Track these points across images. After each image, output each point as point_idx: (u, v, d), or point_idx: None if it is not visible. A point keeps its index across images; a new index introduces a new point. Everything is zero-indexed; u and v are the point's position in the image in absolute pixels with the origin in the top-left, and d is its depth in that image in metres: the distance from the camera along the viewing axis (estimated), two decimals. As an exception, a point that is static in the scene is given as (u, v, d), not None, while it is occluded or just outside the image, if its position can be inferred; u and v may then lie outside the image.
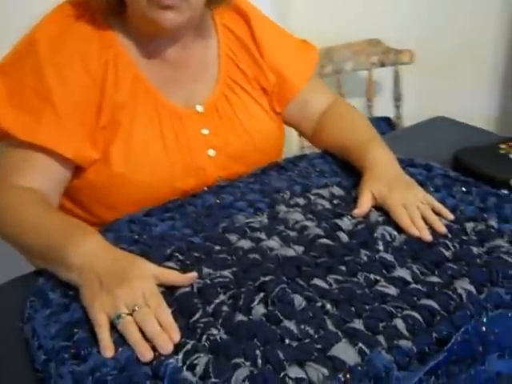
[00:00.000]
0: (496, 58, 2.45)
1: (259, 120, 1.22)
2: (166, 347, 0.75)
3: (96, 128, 1.06)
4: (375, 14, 2.11)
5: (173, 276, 0.86)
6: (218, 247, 0.94)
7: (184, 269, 0.89)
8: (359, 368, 0.70)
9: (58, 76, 1.03)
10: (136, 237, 0.98)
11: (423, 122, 1.42)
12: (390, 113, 2.02)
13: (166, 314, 0.80)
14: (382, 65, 2.02)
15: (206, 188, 1.12)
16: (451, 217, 1.00)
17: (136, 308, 0.79)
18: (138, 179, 1.08)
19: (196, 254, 0.92)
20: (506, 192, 1.06)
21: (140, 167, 1.08)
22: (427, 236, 0.94)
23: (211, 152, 1.15)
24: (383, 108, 2.02)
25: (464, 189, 1.08)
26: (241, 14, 1.21)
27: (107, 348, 0.76)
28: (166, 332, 0.77)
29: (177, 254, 0.92)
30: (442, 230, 0.96)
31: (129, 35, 1.10)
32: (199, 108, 1.15)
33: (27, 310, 0.84)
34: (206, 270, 0.88)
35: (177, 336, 0.77)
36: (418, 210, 0.98)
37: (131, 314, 0.79)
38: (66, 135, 1.03)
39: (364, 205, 1.01)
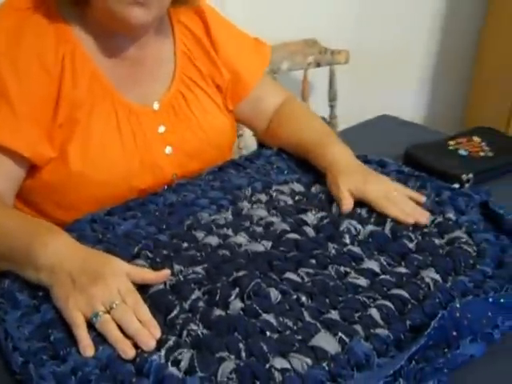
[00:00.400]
0: (425, 59, 2.56)
1: (214, 117, 1.22)
2: (149, 343, 0.74)
3: (53, 126, 1.04)
4: (311, 15, 2.15)
5: (146, 274, 0.85)
6: (185, 244, 0.94)
7: (154, 266, 0.88)
8: (341, 357, 0.72)
9: (14, 72, 1.00)
10: (100, 236, 0.96)
11: (369, 121, 1.47)
12: (324, 112, 2.06)
13: (145, 310, 0.79)
14: (318, 65, 2.06)
15: (165, 186, 1.12)
16: (423, 200, 1.04)
17: (114, 305, 0.78)
18: (96, 177, 1.06)
19: (165, 252, 0.92)
20: (457, 186, 1.11)
21: (98, 165, 1.06)
22: (424, 218, 0.99)
23: (168, 149, 1.15)
24: (318, 108, 2.06)
25: (419, 183, 1.12)
26: (197, 12, 1.21)
27: (87, 347, 0.74)
28: (146, 328, 0.76)
29: (145, 252, 0.92)
30: (424, 216, 1.00)
31: (86, 29, 1.08)
32: (156, 106, 1.15)
33: (-4, 313, 0.81)
34: (177, 267, 0.88)
35: (158, 332, 0.76)
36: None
37: (109, 312, 0.78)
38: (22, 132, 1.00)
39: (347, 200, 1.03)
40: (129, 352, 0.74)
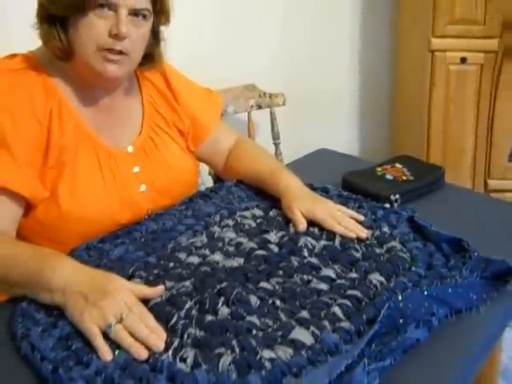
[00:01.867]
0: (352, 97, 2.83)
1: (179, 158, 1.41)
2: (159, 345, 0.90)
3: (45, 168, 1.18)
4: (249, 62, 2.38)
5: (145, 290, 1.01)
6: (171, 264, 1.11)
7: (149, 284, 1.04)
8: (316, 346, 0.90)
9: (11, 122, 1.15)
10: (97, 261, 1.12)
11: (309, 154, 1.68)
12: (270, 151, 2.27)
13: (150, 318, 0.95)
14: (259, 107, 2.27)
15: (146, 216, 1.28)
16: (361, 218, 1.25)
17: (123, 316, 0.93)
18: (83, 215, 1.21)
19: (155, 271, 1.08)
20: (388, 205, 1.33)
21: (85, 204, 1.21)
22: (364, 233, 1.20)
23: (143, 187, 1.32)
24: (263, 146, 2.27)
25: (357, 204, 1.33)
26: (159, 69, 1.40)
27: (106, 353, 0.89)
28: (154, 333, 0.92)
29: (138, 273, 1.08)
30: (364, 232, 1.21)
31: (68, 83, 1.24)
32: (130, 148, 1.32)
33: (20, 330, 0.94)
34: (168, 283, 1.05)
35: (164, 336, 0.92)
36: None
37: (120, 322, 0.93)
38: (21, 175, 1.15)
39: (301, 220, 1.23)
40: (142, 354, 0.89)
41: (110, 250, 1.15)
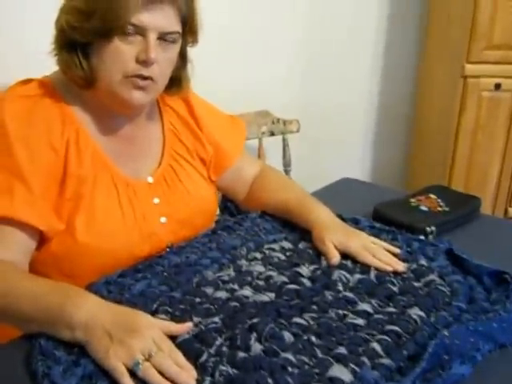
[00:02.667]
0: (368, 123, 2.78)
1: (201, 187, 1.36)
2: (190, 383, 0.84)
3: (61, 200, 1.14)
4: (263, 88, 2.35)
5: (172, 326, 0.95)
6: (198, 299, 1.05)
7: (175, 319, 0.98)
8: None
9: (27, 153, 1.10)
10: (118, 296, 1.06)
11: (332, 184, 1.63)
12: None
13: (180, 355, 0.89)
14: (272, 134, 2.23)
15: (167, 249, 1.23)
16: (397, 251, 1.20)
17: (152, 353, 0.88)
18: (101, 247, 1.16)
19: (181, 306, 1.02)
20: (423, 237, 1.27)
21: (102, 236, 1.16)
22: (401, 267, 1.14)
23: (163, 219, 1.26)
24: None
25: (390, 236, 1.27)
26: (181, 96, 1.35)
27: None
28: (184, 371, 0.86)
29: (163, 308, 1.02)
30: (400, 265, 1.15)
31: (86, 111, 1.20)
32: (150, 179, 1.27)
33: (40, 368, 0.88)
34: (195, 319, 0.99)
35: (195, 373, 0.86)
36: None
37: (147, 360, 0.87)
38: (37, 207, 1.10)
39: (335, 253, 1.18)
40: None
41: (131, 284, 1.09)
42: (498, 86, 2.22)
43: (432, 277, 1.12)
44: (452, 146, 2.35)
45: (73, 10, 1.11)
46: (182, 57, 1.26)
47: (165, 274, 1.14)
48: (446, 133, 2.38)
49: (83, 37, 1.11)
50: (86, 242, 1.15)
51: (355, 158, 2.81)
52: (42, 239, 1.15)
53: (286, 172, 2.30)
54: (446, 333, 0.91)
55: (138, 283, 1.10)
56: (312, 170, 2.36)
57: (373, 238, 1.23)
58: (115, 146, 1.24)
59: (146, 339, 0.89)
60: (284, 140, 2.27)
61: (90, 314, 0.93)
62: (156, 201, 1.26)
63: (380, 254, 1.18)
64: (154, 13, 1.10)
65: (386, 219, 1.36)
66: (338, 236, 1.20)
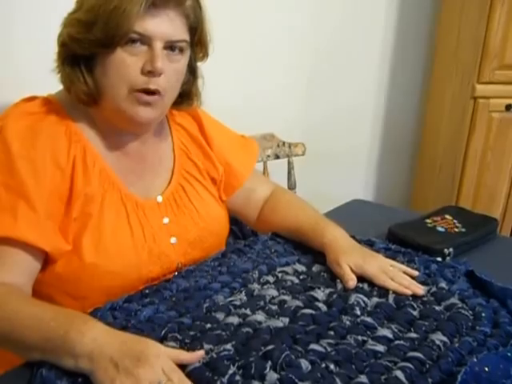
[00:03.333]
0: (370, 150, 2.75)
1: (212, 207, 1.31)
2: None
3: (67, 220, 1.09)
4: (268, 111, 2.31)
5: (182, 354, 0.90)
6: (208, 325, 0.99)
7: (184, 347, 0.93)
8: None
9: (31, 172, 1.05)
10: (124, 322, 1.00)
11: (343, 205, 1.58)
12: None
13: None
14: (277, 157, 2.19)
15: (176, 273, 1.18)
16: (416, 273, 1.15)
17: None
18: (109, 268, 1.11)
19: (191, 333, 0.97)
20: (440, 259, 1.22)
21: (111, 256, 1.11)
22: (420, 290, 1.10)
23: (173, 239, 1.21)
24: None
25: (406, 258, 1.22)
26: (191, 114, 1.32)
27: None
28: None
29: (172, 335, 0.96)
30: (420, 288, 1.11)
31: (93, 128, 1.16)
32: (159, 198, 1.22)
33: (42, 400, 0.83)
34: (206, 346, 0.93)
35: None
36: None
37: None
38: (42, 228, 1.05)
39: (351, 276, 1.13)
40: None
41: (137, 310, 1.04)
42: (508, 107, 2.19)
43: (453, 300, 1.07)
44: (460, 166, 2.32)
45: (74, 22, 1.07)
46: (192, 71, 1.21)
47: (173, 299, 1.08)
48: (454, 153, 2.34)
49: (86, 49, 1.06)
50: (94, 262, 1.10)
51: (362, 179, 2.77)
52: (47, 260, 1.10)
53: (291, 195, 2.25)
54: (475, 359, 0.86)
55: (145, 309, 1.04)
56: (317, 193, 2.31)
57: (391, 261, 1.18)
58: (124, 164, 1.19)
59: (154, 369, 0.84)
60: (289, 163, 2.23)
61: (96, 342, 0.88)
62: (166, 220, 1.22)
63: (399, 277, 1.13)
64: (159, 19, 1.06)
65: (401, 240, 1.31)
66: (354, 258, 1.16)
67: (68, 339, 0.88)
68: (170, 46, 1.09)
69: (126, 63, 1.06)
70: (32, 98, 1.15)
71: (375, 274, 1.13)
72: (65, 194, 1.09)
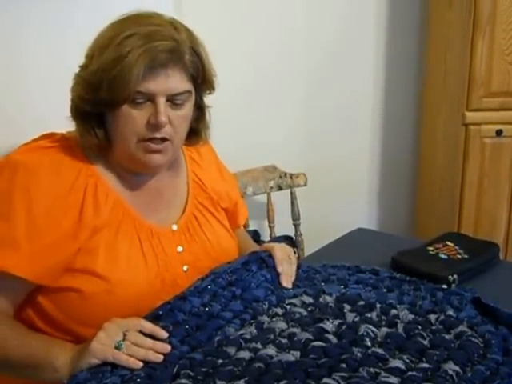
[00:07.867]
0: (370, 178, 2.77)
1: (223, 238, 1.34)
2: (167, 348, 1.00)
3: (71, 252, 1.10)
4: (270, 144, 2.34)
5: None
6: (220, 360, 0.99)
7: (197, 384, 0.93)
8: None
9: (29, 206, 1.08)
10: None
11: (347, 235, 1.59)
12: (290, 232, 2.19)
13: (146, 322, 1.04)
14: (280, 188, 2.21)
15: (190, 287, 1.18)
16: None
17: (126, 333, 1.00)
18: (123, 295, 1.13)
19: (204, 369, 0.97)
20: (445, 287, 1.23)
21: (125, 283, 1.13)
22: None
23: (185, 267, 1.23)
24: (283, 228, 2.19)
25: (412, 287, 1.23)
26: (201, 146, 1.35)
27: (133, 362, 0.97)
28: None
29: (184, 372, 0.96)
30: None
31: (108, 169, 1.19)
32: (174, 227, 1.24)
33: None
34: (219, 383, 0.93)
35: (164, 334, 1.03)
36: None
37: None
38: (34, 261, 1.07)
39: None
40: (160, 355, 0.99)
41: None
42: (499, 133, 2.22)
43: (462, 328, 1.08)
44: (459, 193, 2.33)
45: (82, 81, 1.12)
46: (199, 107, 1.24)
47: (186, 327, 1.08)
48: (451, 181, 2.36)
49: (94, 108, 1.11)
50: (108, 289, 1.12)
51: (363, 209, 2.78)
52: (49, 290, 1.12)
53: (296, 225, 2.27)
54: (490, 389, 0.86)
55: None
56: (320, 222, 2.34)
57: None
58: (138, 199, 1.22)
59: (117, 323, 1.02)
60: (292, 194, 2.25)
61: (75, 348, 1.02)
62: (180, 249, 1.24)
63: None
64: (160, 78, 1.09)
65: (404, 268, 1.31)
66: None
67: (51, 352, 1.02)
68: (173, 99, 1.12)
69: (133, 117, 1.10)
70: (51, 135, 1.19)
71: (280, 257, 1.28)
72: (68, 227, 1.10)
